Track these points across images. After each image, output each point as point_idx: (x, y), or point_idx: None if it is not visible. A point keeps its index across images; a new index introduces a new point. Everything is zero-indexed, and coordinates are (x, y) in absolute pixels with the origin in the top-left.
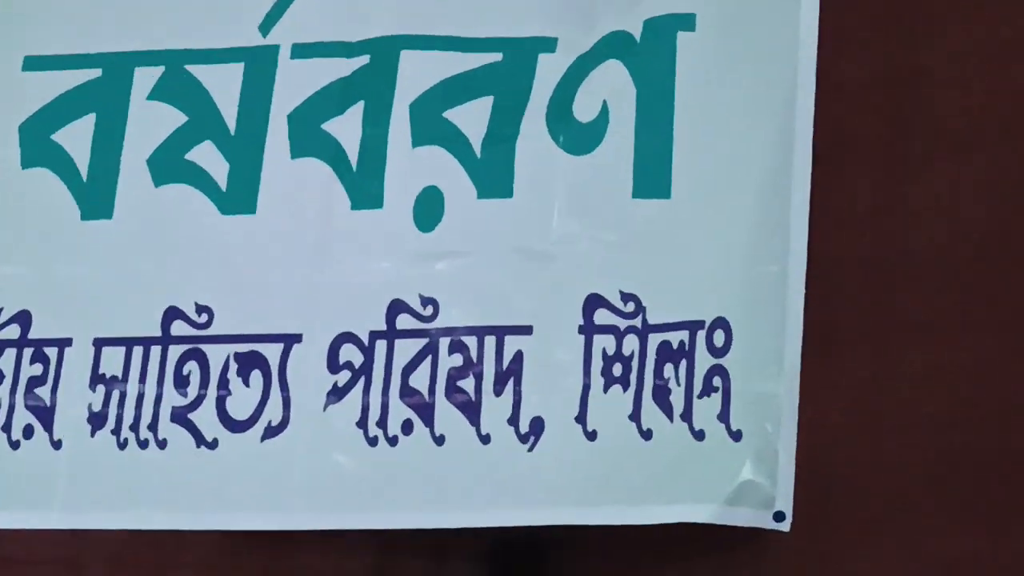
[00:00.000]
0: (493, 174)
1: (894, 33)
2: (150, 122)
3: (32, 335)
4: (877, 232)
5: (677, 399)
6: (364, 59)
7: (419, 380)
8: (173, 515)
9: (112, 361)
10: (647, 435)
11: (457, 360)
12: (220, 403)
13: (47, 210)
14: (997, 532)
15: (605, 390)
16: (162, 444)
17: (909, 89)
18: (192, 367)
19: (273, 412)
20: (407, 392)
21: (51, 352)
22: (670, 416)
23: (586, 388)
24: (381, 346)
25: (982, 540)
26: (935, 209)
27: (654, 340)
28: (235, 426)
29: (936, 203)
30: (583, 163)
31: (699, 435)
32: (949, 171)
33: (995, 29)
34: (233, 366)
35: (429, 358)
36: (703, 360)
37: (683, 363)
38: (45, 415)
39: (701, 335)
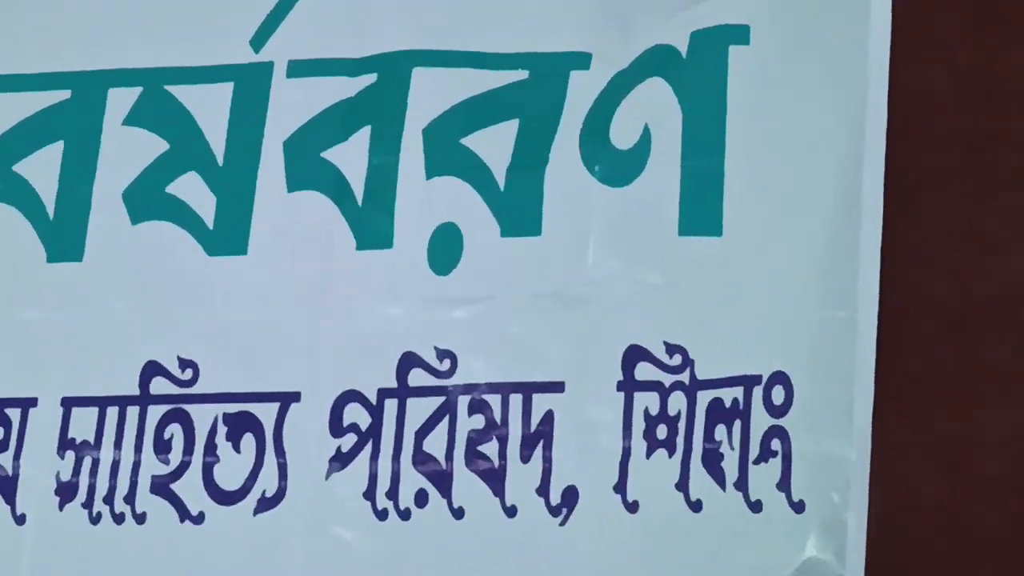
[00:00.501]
0: (519, 209)
1: (973, 42)
2: (126, 150)
3: None
4: (957, 270)
5: (730, 465)
6: (371, 78)
7: (435, 445)
8: None
9: (83, 424)
10: (696, 506)
11: (478, 421)
12: (207, 471)
13: (8, 251)
14: None
15: (648, 455)
16: (141, 518)
17: (990, 104)
18: (175, 430)
19: (268, 481)
20: (421, 458)
21: (13, 414)
22: (722, 485)
23: (626, 453)
24: (391, 405)
25: None
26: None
27: (704, 398)
28: (224, 498)
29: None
30: (622, 196)
31: (756, 506)
32: None
33: None
34: (222, 429)
35: (446, 419)
36: (760, 420)
37: (737, 424)
38: (7, 486)
39: (758, 392)
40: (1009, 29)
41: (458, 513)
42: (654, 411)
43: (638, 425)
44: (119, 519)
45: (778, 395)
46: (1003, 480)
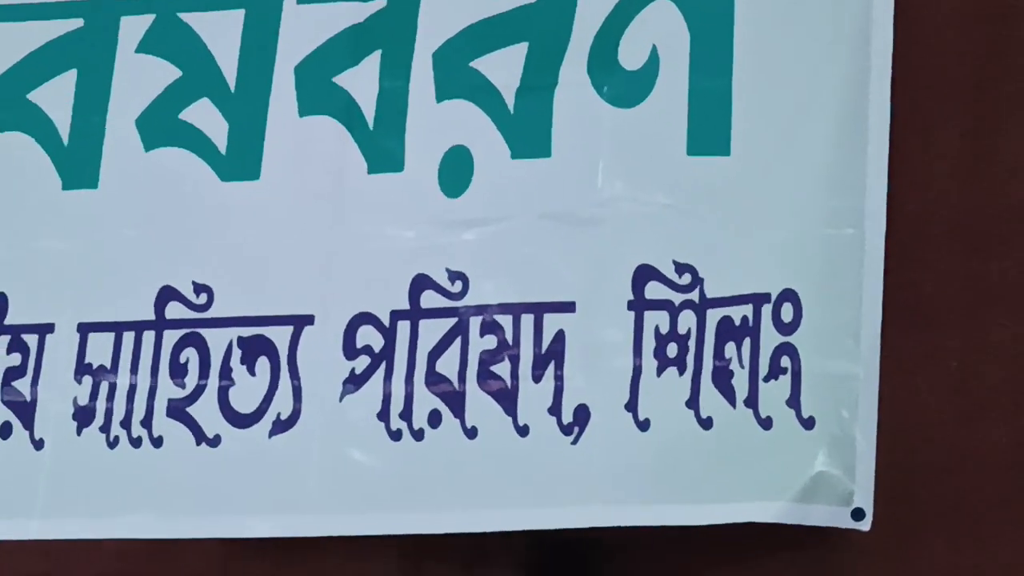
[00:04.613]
0: (528, 130)
1: None
2: (139, 78)
3: (9, 320)
4: (966, 187)
5: (740, 382)
6: (380, 3)
7: (447, 365)
8: (171, 522)
9: (100, 349)
10: (706, 423)
11: (490, 342)
12: (222, 395)
13: (24, 179)
14: None
15: (658, 373)
16: (157, 442)
17: (1002, 24)
18: (190, 354)
19: (282, 404)
20: (434, 379)
21: (31, 340)
22: (732, 402)
23: (637, 371)
24: (404, 327)
25: None
26: None
27: (713, 316)
28: (240, 420)
29: None
30: (630, 116)
31: (766, 423)
32: None
33: None
34: (236, 352)
35: (458, 340)
36: (769, 338)
37: (747, 341)
38: (25, 411)
39: (767, 309)
40: None
41: (471, 433)
42: (664, 329)
43: (648, 344)
44: (136, 443)
45: (787, 312)
46: (1013, 392)
